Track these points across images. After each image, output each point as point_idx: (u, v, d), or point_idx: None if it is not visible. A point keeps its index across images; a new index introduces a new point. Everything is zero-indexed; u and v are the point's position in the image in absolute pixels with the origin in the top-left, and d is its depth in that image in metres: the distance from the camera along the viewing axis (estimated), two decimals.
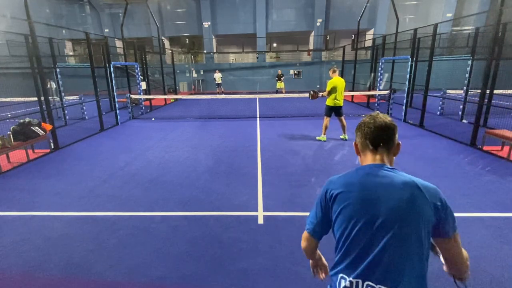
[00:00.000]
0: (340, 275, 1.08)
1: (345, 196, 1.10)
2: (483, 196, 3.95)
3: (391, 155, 1.21)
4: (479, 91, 6.28)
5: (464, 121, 8.85)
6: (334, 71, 6.78)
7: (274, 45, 25.44)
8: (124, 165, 5.55)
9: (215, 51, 22.76)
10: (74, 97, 11.98)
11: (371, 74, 13.83)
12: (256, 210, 3.72)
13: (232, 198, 4.08)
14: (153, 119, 10.65)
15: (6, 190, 4.52)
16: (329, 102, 6.80)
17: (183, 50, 23.41)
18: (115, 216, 3.64)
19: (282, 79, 18.04)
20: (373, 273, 1.01)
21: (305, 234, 1.30)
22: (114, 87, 9.78)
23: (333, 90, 6.69)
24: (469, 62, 8.93)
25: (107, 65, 9.79)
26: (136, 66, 11.78)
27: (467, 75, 9.05)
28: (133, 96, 10.84)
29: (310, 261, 1.47)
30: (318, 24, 20.85)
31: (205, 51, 22.17)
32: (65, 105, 9.55)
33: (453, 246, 1.08)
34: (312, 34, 21.44)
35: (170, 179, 4.79)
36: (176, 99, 16.02)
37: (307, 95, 7.48)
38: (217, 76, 18.64)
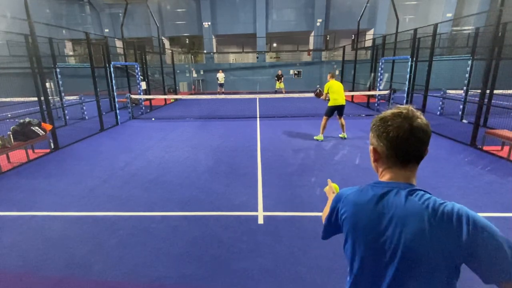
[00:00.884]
0: None
1: (353, 221, 0.93)
2: (483, 196, 3.95)
3: (418, 165, 0.93)
4: (479, 91, 6.28)
5: (464, 121, 8.85)
6: (332, 76, 7.01)
7: (274, 45, 25.44)
8: (124, 165, 5.55)
9: (215, 51, 22.75)
10: (74, 97, 11.98)
11: (371, 74, 13.83)
12: (256, 210, 3.72)
13: (232, 198, 4.08)
14: (153, 119, 10.65)
15: (6, 190, 4.52)
16: (330, 102, 6.84)
17: (183, 50, 23.41)
18: (115, 216, 3.64)
19: (282, 79, 18.03)
20: None
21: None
22: (114, 87, 9.78)
23: (330, 91, 6.80)
24: (469, 62, 8.93)
25: (107, 65, 9.78)
26: (136, 66, 11.78)
27: (467, 75, 9.05)
28: (133, 96, 10.84)
29: None
30: (318, 24, 20.85)
31: (205, 51, 22.17)
32: (65, 105, 9.54)
33: None
34: (312, 34, 21.44)
35: (170, 179, 4.79)
36: (176, 99, 16.02)
37: (307, 95, 7.49)
38: (220, 76, 18.67)
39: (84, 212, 3.75)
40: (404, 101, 9.28)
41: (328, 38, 20.97)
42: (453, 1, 19.62)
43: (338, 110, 6.87)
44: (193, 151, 6.41)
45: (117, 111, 9.77)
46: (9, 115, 9.05)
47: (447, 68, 12.54)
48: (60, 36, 19.87)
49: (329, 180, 1.47)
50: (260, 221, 3.46)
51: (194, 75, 22.17)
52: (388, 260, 0.84)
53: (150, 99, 13.04)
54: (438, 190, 4.16)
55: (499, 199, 3.86)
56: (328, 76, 7.03)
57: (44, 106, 6.87)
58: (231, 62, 23.64)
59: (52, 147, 6.66)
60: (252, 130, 8.37)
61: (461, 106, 9.14)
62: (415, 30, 9.08)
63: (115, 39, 19.55)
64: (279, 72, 18.38)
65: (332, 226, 1.07)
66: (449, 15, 19.69)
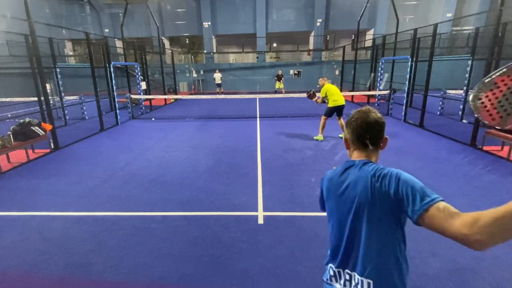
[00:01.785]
0: (329, 265, 1.22)
1: (327, 191, 1.25)
2: (483, 196, 3.95)
3: (378, 150, 1.23)
4: None
5: (464, 121, 8.85)
6: (325, 80, 7.11)
7: (274, 45, 25.43)
8: (124, 165, 5.55)
9: (215, 51, 22.75)
10: (74, 97, 11.98)
11: (371, 74, 13.83)
12: (256, 210, 3.72)
13: (232, 198, 4.08)
14: (153, 119, 10.65)
15: (6, 190, 4.52)
16: (330, 104, 6.86)
17: (183, 50, 23.41)
18: (115, 216, 3.64)
19: (282, 80, 18.00)
20: (348, 261, 1.13)
21: None
22: (114, 87, 9.78)
23: (328, 93, 6.86)
24: (469, 62, 8.93)
25: (107, 65, 9.79)
26: (136, 66, 11.78)
27: (467, 75, 9.05)
28: (133, 96, 10.84)
29: None
30: (318, 24, 20.85)
31: (205, 51, 22.17)
32: (65, 105, 9.55)
33: (433, 223, 0.91)
34: (312, 34, 21.44)
35: (170, 179, 4.79)
36: (176, 99, 16.02)
37: (305, 95, 7.49)
38: (217, 76, 18.61)
39: (84, 212, 3.75)
40: (404, 101, 9.28)
41: (328, 38, 20.97)
42: (453, 1, 19.62)
43: (338, 110, 6.88)
44: (193, 151, 6.41)
45: (117, 111, 9.77)
46: (9, 115, 9.05)
47: (447, 68, 12.54)
48: (60, 36, 19.87)
49: None
50: (260, 221, 3.46)
51: (194, 75, 22.16)
52: (347, 211, 1.13)
53: (150, 99, 13.05)
54: (438, 190, 4.15)
55: (499, 199, 3.86)
56: (322, 81, 7.11)
57: (44, 106, 6.87)
58: (231, 62, 23.64)
59: (52, 147, 6.66)
60: (252, 130, 8.37)
61: (461, 106, 9.14)
62: (415, 30, 9.08)
63: (115, 39, 19.55)
64: (279, 72, 18.36)
65: (321, 200, 1.37)
66: (449, 15, 19.69)
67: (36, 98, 6.98)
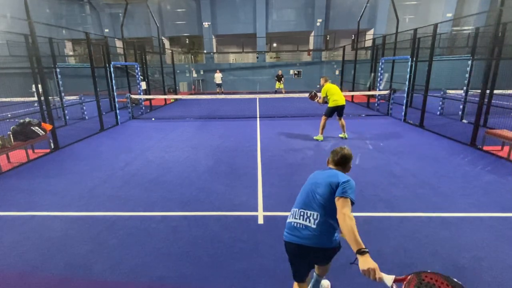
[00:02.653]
0: (293, 209, 1.98)
1: (310, 179, 2.04)
2: (483, 196, 3.95)
3: (344, 171, 2.05)
4: (479, 91, 6.28)
5: (464, 121, 8.85)
6: (325, 80, 7.09)
7: (274, 45, 25.44)
8: (124, 165, 5.55)
9: (215, 51, 22.75)
10: (74, 97, 11.98)
11: (371, 74, 13.83)
12: (256, 210, 3.72)
13: (232, 198, 4.08)
14: (153, 119, 10.65)
15: (6, 190, 4.52)
16: (330, 104, 6.86)
17: (183, 50, 23.41)
18: (115, 216, 3.64)
19: (282, 80, 17.98)
20: (300, 204, 1.93)
21: None
22: (114, 87, 9.78)
23: (329, 93, 6.84)
24: (469, 62, 8.93)
25: (107, 65, 9.79)
26: (136, 66, 11.78)
27: (467, 75, 9.05)
28: (133, 96, 10.84)
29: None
30: (318, 24, 20.85)
31: (205, 51, 22.17)
32: (65, 105, 9.55)
33: (338, 206, 1.70)
34: (312, 34, 21.44)
35: (170, 179, 4.79)
36: (176, 99, 16.02)
37: (307, 95, 7.49)
38: (218, 76, 18.61)
39: (84, 212, 3.75)
40: (404, 101, 9.28)
41: (328, 38, 20.97)
42: (453, 1, 19.62)
43: (338, 110, 6.88)
44: (193, 151, 6.41)
45: (117, 111, 9.77)
46: (9, 115, 9.06)
47: (447, 68, 12.53)
48: (60, 36, 19.87)
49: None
50: (260, 221, 3.46)
51: (194, 75, 22.16)
52: (309, 189, 1.93)
53: (150, 99, 13.05)
54: (438, 190, 4.16)
55: (499, 199, 3.86)
56: (322, 81, 7.10)
57: (44, 106, 6.87)
58: (231, 62, 23.63)
59: (52, 147, 6.66)
60: (252, 130, 8.37)
61: (461, 106, 9.15)
62: (415, 30, 9.07)
63: (115, 39, 19.56)
64: (279, 72, 18.35)
65: None
66: (449, 15, 19.69)
67: (36, 98, 6.98)
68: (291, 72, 21.60)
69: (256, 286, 2.46)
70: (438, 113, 10.17)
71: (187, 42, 23.54)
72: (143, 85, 12.26)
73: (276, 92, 18.15)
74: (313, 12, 20.76)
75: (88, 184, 4.66)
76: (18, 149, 5.82)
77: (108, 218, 3.58)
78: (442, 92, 10.15)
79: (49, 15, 20.92)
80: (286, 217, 3.68)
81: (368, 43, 18.51)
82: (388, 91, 10.35)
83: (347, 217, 1.58)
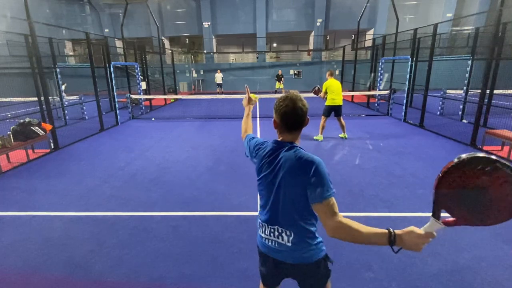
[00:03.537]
0: (259, 218, 1.49)
1: (259, 169, 1.46)
2: None
3: (301, 130, 1.43)
4: (479, 91, 6.28)
5: (464, 121, 8.85)
6: (330, 74, 7.01)
7: (274, 45, 25.44)
8: (124, 165, 5.55)
9: (215, 51, 22.75)
10: (74, 97, 11.98)
11: (371, 74, 13.83)
12: (256, 210, 3.71)
13: (232, 198, 4.08)
14: (153, 119, 10.65)
15: (6, 190, 4.52)
16: (328, 102, 6.85)
17: (183, 50, 23.41)
18: (115, 216, 3.64)
19: (282, 80, 17.97)
20: (272, 220, 1.40)
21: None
22: (114, 87, 9.78)
23: (329, 90, 6.80)
24: (469, 62, 8.93)
25: (107, 65, 9.79)
26: (136, 66, 11.78)
27: (467, 75, 9.05)
28: (133, 96, 10.84)
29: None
30: (318, 24, 20.85)
31: (205, 51, 22.17)
32: (65, 105, 9.55)
33: (321, 214, 1.21)
34: (312, 34, 21.44)
35: (170, 179, 4.79)
36: (176, 99, 16.02)
37: (307, 95, 7.49)
38: (218, 76, 18.62)
39: (84, 212, 3.75)
40: (404, 101, 9.28)
41: (328, 38, 20.97)
42: (453, 1, 19.62)
43: (335, 110, 6.87)
44: (193, 151, 6.41)
45: (117, 111, 9.77)
46: (9, 115, 9.05)
47: (447, 68, 12.53)
48: (60, 36, 19.87)
49: (247, 87, 2.17)
50: None
51: (194, 75, 22.16)
52: (274, 183, 1.36)
53: (150, 99, 13.05)
54: None
55: None
56: (327, 74, 7.04)
57: (44, 106, 6.87)
58: (231, 62, 23.63)
59: (52, 147, 6.66)
60: (252, 130, 8.35)
61: (461, 106, 9.14)
62: (415, 30, 9.08)
63: (115, 39, 19.55)
64: (279, 72, 18.35)
65: (249, 153, 1.69)
66: (449, 15, 19.69)
67: (36, 98, 6.98)
68: (291, 72, 21.59)
69: (256, 286, 2.46)
70: (438, 113, 10.17)
71: (187, 42, 23.54)
72: (143, 85, 12.26)
73: (276, 92, 18.13)
74: (313, 12, 20.76)
75: (88, 184, 4.66)
76: (18, 149, 5.82)
77: (108, 218, 3.58)
78: (442, 92, 10.15)
79: (49, 15, 20.92)
80: None
81: (368, 43, 18.51)
82: (388, 91, 10.35)
83: (340, 228, 1.15)
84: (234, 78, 22.08)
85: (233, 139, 7.35)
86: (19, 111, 8.54)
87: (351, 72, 15.54)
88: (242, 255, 2.84)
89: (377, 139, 7.11)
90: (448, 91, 10.51)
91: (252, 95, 2.04)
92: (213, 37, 22.25)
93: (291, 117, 1.34)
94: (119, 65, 13.63)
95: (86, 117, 10.66)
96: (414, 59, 9.28)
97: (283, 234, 1.37)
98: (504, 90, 9.09)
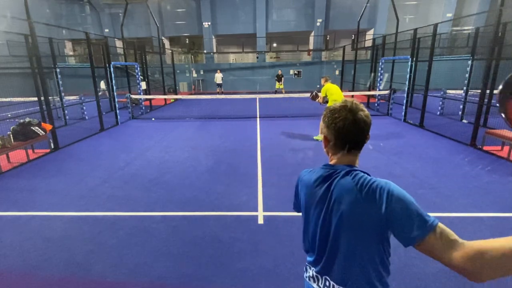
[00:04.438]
0: (310, 266, 1.16)
1: (307, 199, 1.13)
2: (483, 196, 3.95)
3: (360, 151, 1.10)
4: (479, 91, 6.28)
5: (464, 121, 8.85)
6: (326, 80, 7.07)
7: (274, 45, 25.42)
8: (124, 165, 5.55)
9: (215, 51, 22.75)
10: (74, 97, 11.98)
11: (371, 74, 13.83)
12: (256, 210, 3.72)
13: (232, 198, 4.08)
14: (153, 119, 10.65)
15: (6, 190, 4.52)
16: (329, 103, 6.86)
17: (183, 50, 23.40)
18: (115, 216, 3.64)
19: (282, 80, 17.97)
20: (329, 270, 1.06)
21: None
22: (114, 87, 9.78)
23: (328, 93, 6.86)
24: (469, 62, 8.93)
25: (107, 65, 9.79)
26: (136, 66, 11.78)
27: (467, 75, 9.05)
28: (133, 96, 10.84)
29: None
30: (318, 24, 20.84)
31: (205, 51, 22.17)
32: (65, 105, 9.55)
33: (437, 250, 0.85)
34: (312, 34, 21.43)
35: (170, 179, 4.79)
36: (176, 99, 16.02)
37: (307, 95, 7.50)
38: (218, 76, 18.63)
39: (84, 212, 3.75)
40: (404, 101, 9.28)
41: (328, 38, 20.96)
42: (453, 1, 19.61)
43: None
44: (193, 151, 6.41)
45: (117, 111, 9.77)
46: (9, 115, 9.05)
47: (447, 68, 12.54)
48: (60, 36, 19.87)
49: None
50: (260, 221, 3.46)
51: (194, 75, 22.16)
52: (331, 223, 1.03)
53: (150, 99, 13.04)
54: (438, 190, 4.16)
55: (499, 199, 3.86)
56: (323, 81, 7.10)
57: (44, 106, 6.87)
58: (231, 62, 23.63)
59: (52, 147, 6.66)
60: (252, 130, 8.36)
61: (461, 106, 9.14)
62: (415, 30, 9.07)
63: (115, 39, 19.54)
64: (279, 72, 18.35)
65: (297, 203, 1.31)
66: (449, 15, 19.69)
67: (36, 98, 6.98)
68: (291, 72, 21.59)
69: (256, 286, 2.46)
70: (438, 113, 10.17)
71: (187, 42, 23.53)
72: (143, 85, 12.26)
73: (276, 92, 18.14)
74: (313, 12, 20.75)
75: (88, 184, 4.66)
76: (18, 149, 5.82)
77: (108, 218, 3.58)
78: (442, 92, 10.15)
79: (49, 15, 20.91)
80: (286, 217, 3.72)
81: (368, 43, 18.50)
82: (388, 91, 10.35)
83: (472, 258, 0.77)
84: (234, 78, 22.08)
85: (233, 139, 7.35)
86: (19, 111, 8.54)
87: (351, 72, 15.54)
88: (242, 255, 2.84)
89: (377, 139, 7.11)
90: (448, 91, 10.51)
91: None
92: (213, 37, 22.25)
93: (351, 133, 1.03)
94: (119, 65, 13.62)
95: (86, 117, 10.66)
96: (414, 59, 9.28)
97: None
98: None
